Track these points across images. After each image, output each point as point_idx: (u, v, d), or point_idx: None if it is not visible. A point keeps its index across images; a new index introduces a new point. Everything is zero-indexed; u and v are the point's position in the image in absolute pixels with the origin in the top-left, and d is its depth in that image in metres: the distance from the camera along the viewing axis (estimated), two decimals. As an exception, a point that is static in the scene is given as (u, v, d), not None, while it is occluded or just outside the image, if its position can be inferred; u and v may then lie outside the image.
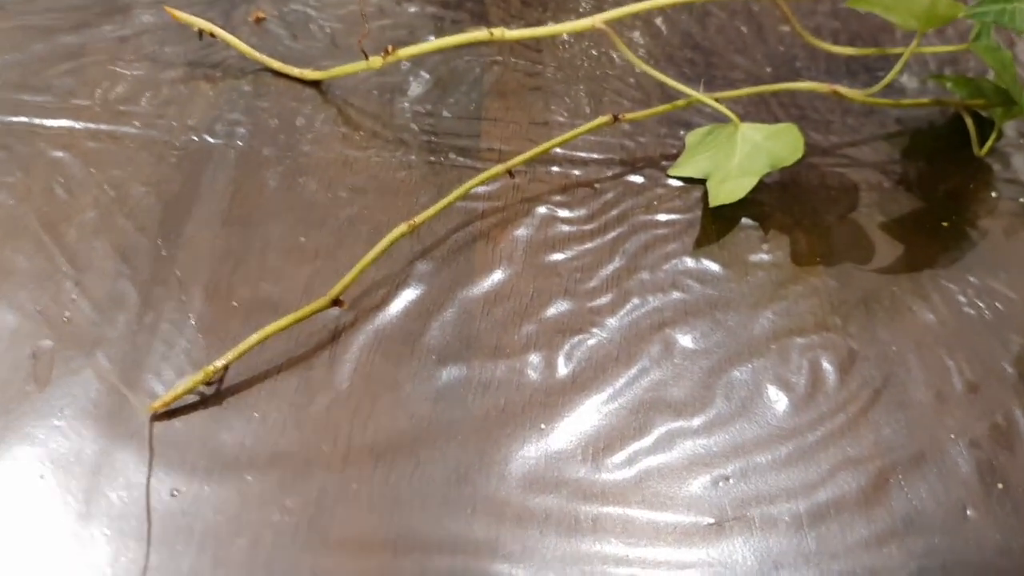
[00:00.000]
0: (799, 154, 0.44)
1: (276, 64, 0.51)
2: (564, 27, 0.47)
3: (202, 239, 0.43)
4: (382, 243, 0.41)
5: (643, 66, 0.47)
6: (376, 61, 0.47)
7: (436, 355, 0.40)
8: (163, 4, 0.52)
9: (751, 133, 0.46)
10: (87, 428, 0.36)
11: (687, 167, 0.48)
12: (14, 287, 0.41)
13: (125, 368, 0.38)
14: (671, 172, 0.48)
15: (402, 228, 0.41)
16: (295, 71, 0.51)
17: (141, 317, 0.40)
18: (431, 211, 0.42)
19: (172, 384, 0.38)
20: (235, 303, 0.41)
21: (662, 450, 0.38)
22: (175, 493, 0.35)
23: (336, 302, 0.40)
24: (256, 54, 0.51)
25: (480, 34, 0.46)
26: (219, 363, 0.37)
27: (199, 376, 0.37)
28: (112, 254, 0.42)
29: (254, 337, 0.38)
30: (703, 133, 0.49)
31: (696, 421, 0.39)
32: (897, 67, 0.46)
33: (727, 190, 0.45)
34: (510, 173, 0.45)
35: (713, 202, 0.45)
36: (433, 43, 0.47)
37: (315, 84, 0.51)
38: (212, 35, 0.51)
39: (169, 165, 0.46)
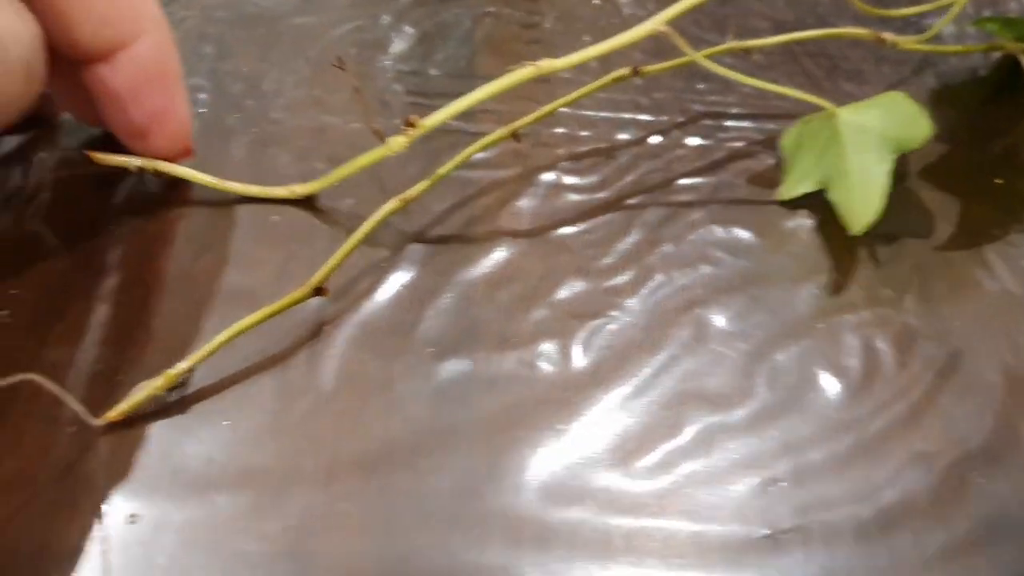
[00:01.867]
0: (925, 131, 0.37)
1: (254, 190, 0.39)
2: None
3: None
4: (369, 222, 0.35)
5: (702, 59, 0.40)
6: (399, 142, 0.36)
7: (434, 348, 0.34)
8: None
9: (853, 118, 0.38)
10: (25, 442, 0.31)
11: (797, 182, 0.39)
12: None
13: (72, 372, 0.33)
14: (782, 196, 0.39)
15: (393, 204, 0.36)
16: (281, 192, 0.39)
17: (91, 312, 0.34)
18: (425, 183, 0.37)
19: (127, 391, 0.32)
20: (199, 295, 0.35)
21: (701, 451, 0.32)
22: (133, 519, 0.29)
23: (318, 291, 0.34)
24: (221, 183, 0.38)
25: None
26: (183, 365, 0.32)
27: (160, 381, 0.32)
28: (53, 239, 0.37)
29: (223, 335, 0.33)
30: (796, 133, 0.40)
31: (737, 415, 0.33)
32: (955, 9, 0.40)
33: (859, 202, 0.37)
34: (515, 136, 0.39)
35: (857, 227, 0.37)
36: None
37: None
38: (156, 172, 0.38)
39: (120, 138, 0.40)
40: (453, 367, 0.34)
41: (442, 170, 0.37)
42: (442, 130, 0.41)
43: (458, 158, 0.37)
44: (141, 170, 0.37)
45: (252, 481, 0.31)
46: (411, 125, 0.35)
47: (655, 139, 0.42)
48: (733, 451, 0.32)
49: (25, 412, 0.32)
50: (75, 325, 0.34)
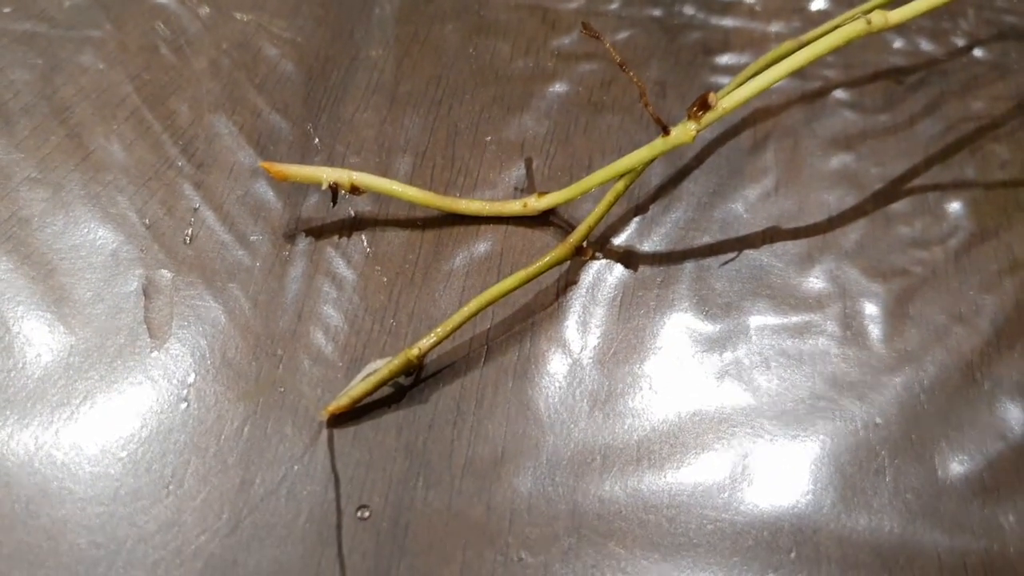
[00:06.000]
0: None
1: (477, 206, 0.29)
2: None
3: (365, 124, 0.31)
4: (638, 160, 0.27)
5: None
6: (687, 132, 0.26)
7: (707, 307, 0.28)
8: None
9: None
10: (229, 403, 0.25)
11: None
12: (110, 188, 0.29)
13: (271, 312, 0.27)
14: None
15: (660, 145, 0.26)
16: (515, 208, 0.30)
17: (292, 236, 0.28)
18: (715, 114, 0.26)
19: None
20: (419, 216, 0.29)
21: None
22: (363, 514, 0.24)
23: (579, 250, 0.28)
24: (438, 200, 0.29)
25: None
26: (426, 341, 0.26)
27: (397, 363, 0.25)
28: (243, 144, 0.30)
29: (473, 304, 0.26)
30: None
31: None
32: None
33: None
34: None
35: None
36: None
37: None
38: (354, 190, 0.28)
39: (307, 17, 0.34)
40: (729, 330, 0.28)
41: (750, 90, 0.27)
42: (684, 24, 0.34)
43: (762, 81, 0.28)
44: (334, 187, 0.28)
45: (505, 466, 0.25)
46: (706, 107, 0.26)
47: (941, 51, 0.35)
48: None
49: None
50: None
